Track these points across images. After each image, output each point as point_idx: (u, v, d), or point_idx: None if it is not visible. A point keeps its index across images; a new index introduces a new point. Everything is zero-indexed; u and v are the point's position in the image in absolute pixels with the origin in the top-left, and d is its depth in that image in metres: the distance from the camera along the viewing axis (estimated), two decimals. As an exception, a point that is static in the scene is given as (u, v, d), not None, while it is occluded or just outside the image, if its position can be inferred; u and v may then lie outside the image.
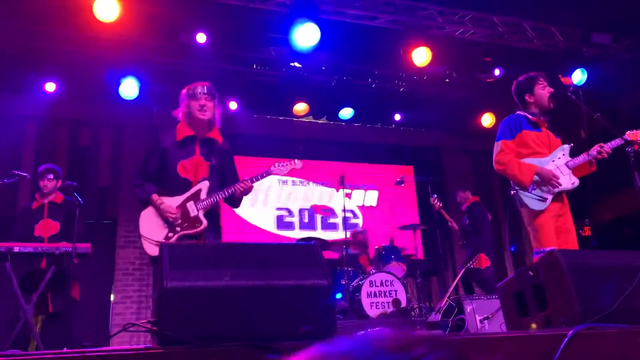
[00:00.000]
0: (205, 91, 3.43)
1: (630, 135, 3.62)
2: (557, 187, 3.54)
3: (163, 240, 3.23)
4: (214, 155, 3.45)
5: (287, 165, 3.59)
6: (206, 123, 3.44)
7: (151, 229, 3.28)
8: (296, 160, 3.63)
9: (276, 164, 3.58)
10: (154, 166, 3.43)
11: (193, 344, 1.54)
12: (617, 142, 3.64)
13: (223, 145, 3.52)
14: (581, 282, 2.12)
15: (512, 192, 3.67)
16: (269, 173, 3.52)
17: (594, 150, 3.62)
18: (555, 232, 3.53)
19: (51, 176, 4.94)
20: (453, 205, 7.23)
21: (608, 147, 3.61)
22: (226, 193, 3.36)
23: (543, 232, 3.50)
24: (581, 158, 3.66)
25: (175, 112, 3.53)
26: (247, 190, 3.40)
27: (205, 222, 3.29)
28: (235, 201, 3.51)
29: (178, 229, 3.26)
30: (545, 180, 3.54)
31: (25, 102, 6.94)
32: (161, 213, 3.28)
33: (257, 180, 3.45)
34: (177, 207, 3.28)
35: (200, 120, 3.41)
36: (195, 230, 3.27)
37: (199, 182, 3.35)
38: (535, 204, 3.55)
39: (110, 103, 7.04)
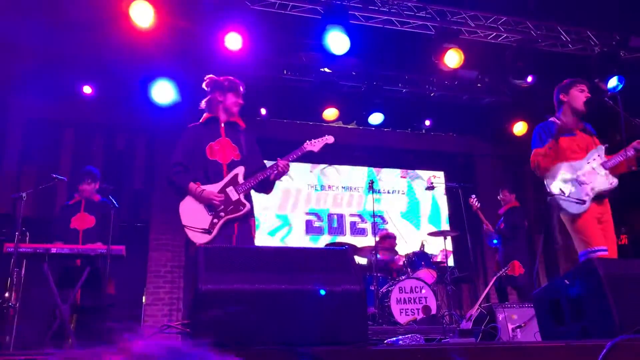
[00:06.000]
0: (243, 91, 3.61)
1: None
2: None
3: (208, 227, 3.25)
4: (240, 139, 3.53)
5: (319, 141, 3.59)
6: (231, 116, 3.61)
7: (194, 218, 3.29)
8: (327, 135, 3.65)
9: (308, 141, 3.59)
10: (186, 158, 3.47)
11: (226, 347, 1.56)
12: None
13: (247, 130, 3.62)
14: (620, 292, 2.06)
15: (548, 198, 3.61)
16: (302, 150, 3.53)
17: (631, 148, 3.55)
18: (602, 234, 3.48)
19: (89, 180, 5.12)
20: (486, 210, 7.12)
21: None
22: (264, 175, 3.39)
23: (588, 232, 3.44)
24: (618, 157, 3.60)
25: (208, 100, 3.61)
26: (283, 173, 3.43)
27: (248, 205, 3.33)
28: (268, 185, 3.54)
29: (222, 214, 3.29)
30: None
31: (63, 107, 7.13)
32: (203, 200, 3.30)
33: (293, 159, 3.47)
34: (219, 192, 3.33)
35: (231, 113, 3.56)
36: (239, 213, 3.30)
37: (228, 164, 3.41)
38: (574, 208, 3.48)
39: (145, 108, 7.18)
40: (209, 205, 3.31)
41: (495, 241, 6.53)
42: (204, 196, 3.29)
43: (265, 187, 3.55)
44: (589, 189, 3.50)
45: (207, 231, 3.24)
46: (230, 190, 3.35)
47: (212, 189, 3.34)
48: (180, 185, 3.37)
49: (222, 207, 3.30)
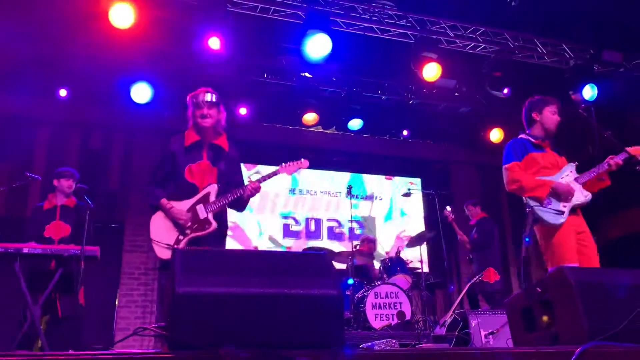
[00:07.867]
0: (208, 99, 3.47)
1: (631, 150, 3.63)
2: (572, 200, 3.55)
3: (173, 244, 3.28)
4: (221, 161, 3.51)
5: (294, 164, 3.66)
6: (211, 130, 3.50)
7: (161, 233, 3.33)
8: (303, 159, 3.73)
9: (283, 164, 3.67)
10: (165, 170, 3.50)
11: (203, 350, 1.56)
12: (623, 155, 3.65)
13: (230, 152, 3.58)
14: (590, 300, 2.11)
15: (527, 209, 3.64)
16: (276, 173, 3.59)
17: (604, 164, 3.64)
18: (577, 249, 3.51)
19: (67, 175, 4.98)
20: (460, 219, 7.23)
21: (618, 158, 3.62)
22: (235, 195, 3.40)
23: (564, 247, 3.47)
24: (590, 173, 3.67)
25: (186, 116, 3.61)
26: (255, 192, 3.44)
27: (214, 223, 3.34)
28: (241, 204, 3.55)
29: (188, 231, 3.32)
30: (562, 193, 3.55)
31: (38, 105, 7.01)
32: (171, 217, 3.34)
33: (265, 180, 3.51)
34: (187, 210, 3.34)
35: (203, 127, 3.47)
36: (204, 232, 3.33)
37: (206, 186, 3.40)
38: (552, 218, 3.53)
39: (122, 107, 7.10)
40: (177, 223, 3.33)
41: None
42: (171, 213, 3.33)
43: (238, 205, 3.55)
44: (565, 202, 3.57)
45: (171, 247, 3.26)
46: (200, 208, 3.36)
47: (182, 206, 3.35)
48: (153, 201, 3.41)
49: (189, 224, 3.32)
